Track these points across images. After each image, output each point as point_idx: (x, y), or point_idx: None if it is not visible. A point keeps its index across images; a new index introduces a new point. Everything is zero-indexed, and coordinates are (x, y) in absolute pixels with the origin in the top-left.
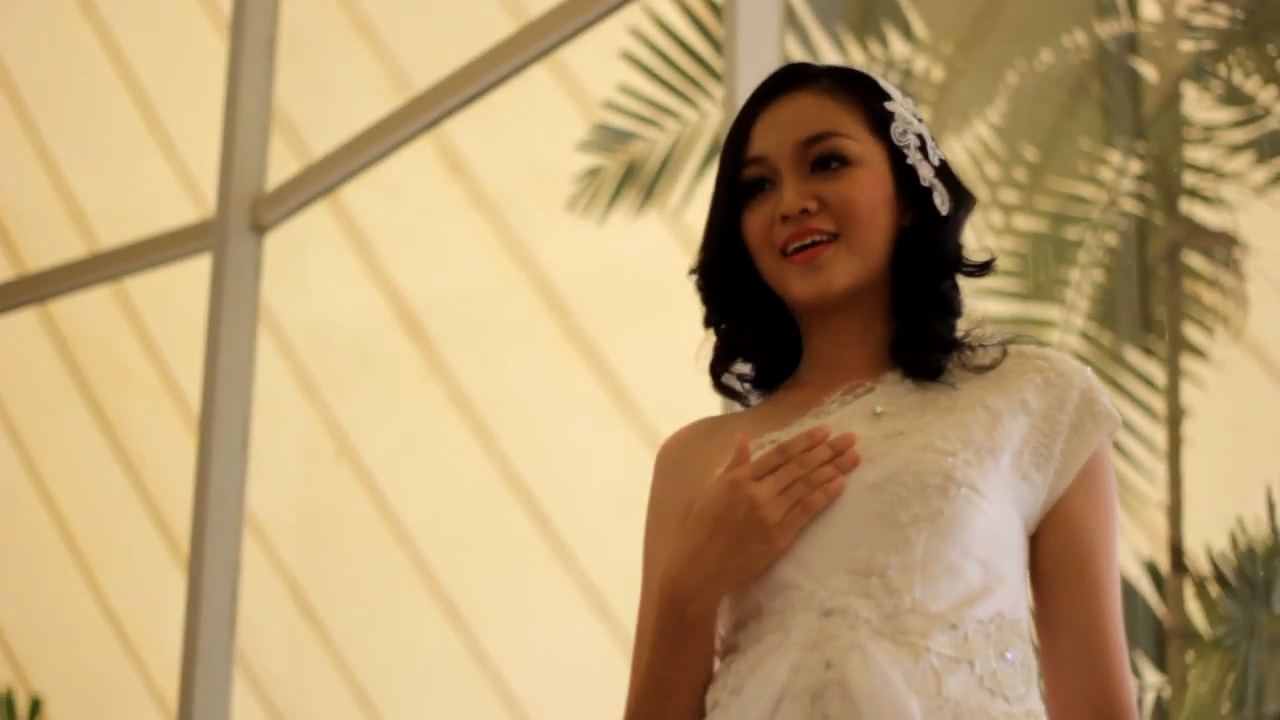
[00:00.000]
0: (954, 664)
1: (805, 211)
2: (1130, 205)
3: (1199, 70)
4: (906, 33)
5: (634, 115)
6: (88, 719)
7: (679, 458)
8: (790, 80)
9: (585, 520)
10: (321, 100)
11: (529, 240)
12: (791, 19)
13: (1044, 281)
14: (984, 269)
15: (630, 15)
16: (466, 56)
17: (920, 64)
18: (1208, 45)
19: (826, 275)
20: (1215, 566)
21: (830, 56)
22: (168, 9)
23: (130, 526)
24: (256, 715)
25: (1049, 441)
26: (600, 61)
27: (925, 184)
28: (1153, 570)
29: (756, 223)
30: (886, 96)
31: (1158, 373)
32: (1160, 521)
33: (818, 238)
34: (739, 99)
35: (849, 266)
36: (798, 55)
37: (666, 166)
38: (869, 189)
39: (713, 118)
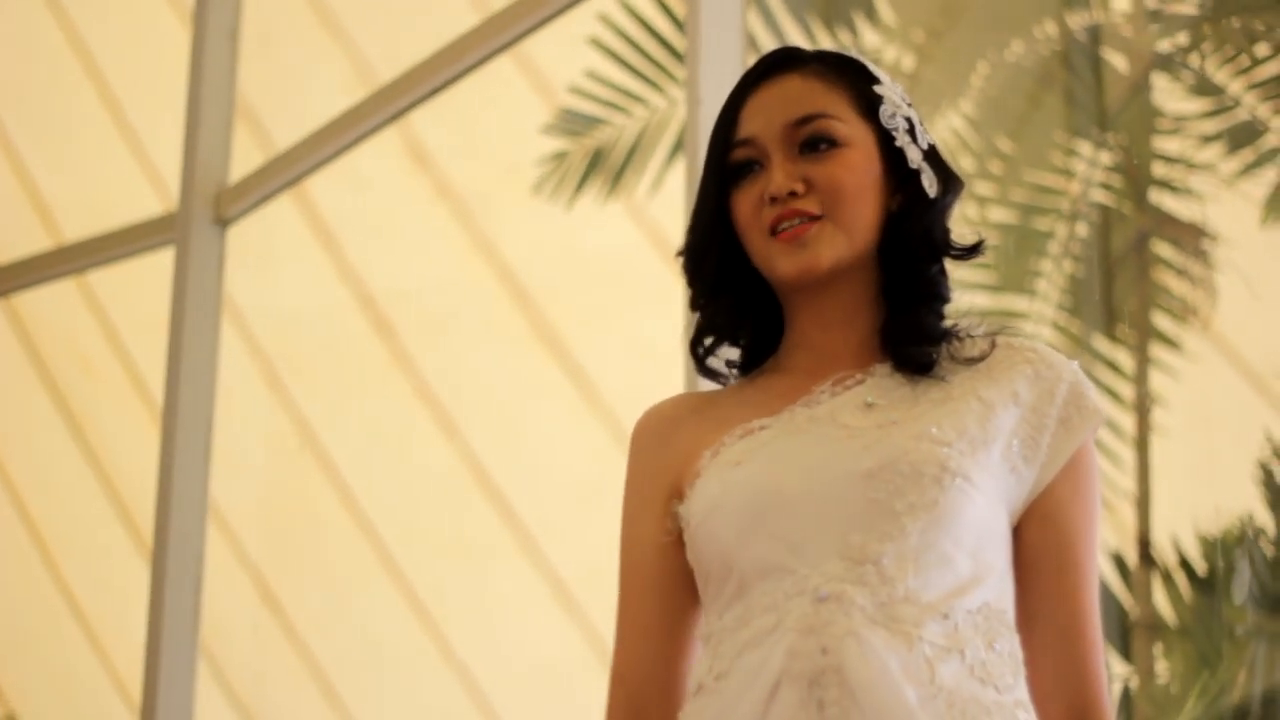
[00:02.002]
0: (945, 653)
1: (793, 194)
2: (1100, 196)
3: (1168, 61)
4: (875, 21)
5: (600, 101)
6: (52, 711)
7: (663, 431)
8: (779, 63)
9: (550, 512)
10: (285, 92)
11: (494, 233)
12: (760, 6)
13: (1014, 273)
14: (973, 252)
15: (596, 6)
16: (431, 48)
17: (890, 53)
18: (1177, 36)
19: (812, 252)
20: (1182, 557)
21: (798, 44)
22: (131, 0)
23: (94, 518)
24: (221, 706)
25: (1037, 434)
26: (565, 53)
27: (914, 166)
28: (1119, 561)
29: (745, 204)
30: (875, 80)
31: (1127, 363)
32: (1128, 513)
33: (804, 218)
34: (702, 84)
35: (834, 244)
36: (764, 42)
37: (634, 154)
38: (857, 170)
39: (681, 105)
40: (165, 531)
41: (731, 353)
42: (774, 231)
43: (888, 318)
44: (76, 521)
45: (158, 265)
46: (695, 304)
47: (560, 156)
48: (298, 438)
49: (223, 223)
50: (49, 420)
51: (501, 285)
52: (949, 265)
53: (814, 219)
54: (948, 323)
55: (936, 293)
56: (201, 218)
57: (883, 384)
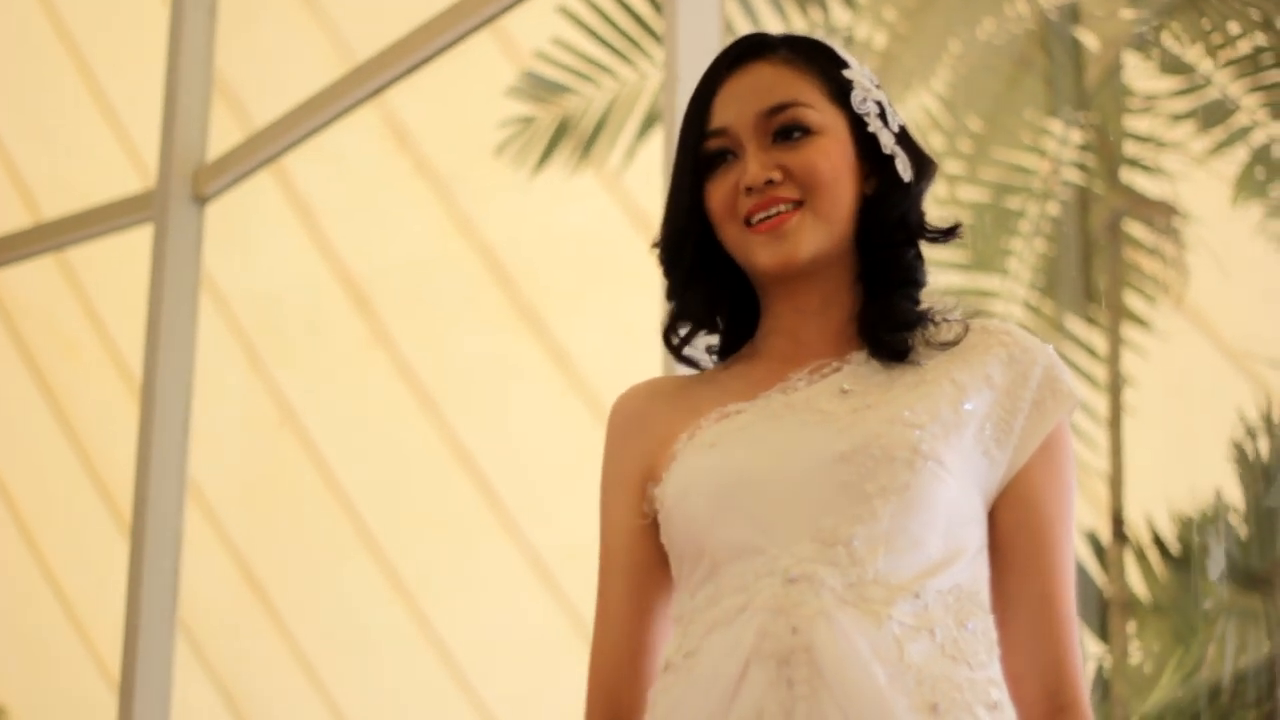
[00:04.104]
0: (915, 632)
1: (770, 182)
2: (1072, 175)
3: (1141, 39)
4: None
5: (568, 69)
6: (30, 688)
7: (639, 415)
8: (749, 51)
9: (531, 490)
10: (264, 69)
11: (474, 210)
12: None
13: (987, 252)
14: (948, 235)
15: None
16: (410, 24)
17: (862, 31)
18: (1148, 14)
19: (792, 243)
20: (1156, 536)
21: (771, 22)
22: None
23: (73, 495)
24: (200, 684)
25: (1010, 418)
26: (544, 29)
27: (887, 151)
28: (1094, 540)
29: (720, 194)
30: (844, 64)
31: (1099, 342)
32: (1102, 491)
33: (783, 207)
34: (680, 62)
35: (814, 234)
36: (738, 19)
37: (605, 126)
38: (832, 157)
39: (652, 79)
40: (144, 509)
41: (711, 338)
42: (750, 222)
43: (864, 304)
44: (56, 498)
45: (138, 242)
46: (672, 294)
47: (526, 121)
48: (277, 416)
49: (201, 200)
50: (28, 398)
51: (481, 263)
52: (924, 248)
53: (794, 205)
54: (923, 306)
55: (912, 278)
56: (179, 195)
57: (859, 370)
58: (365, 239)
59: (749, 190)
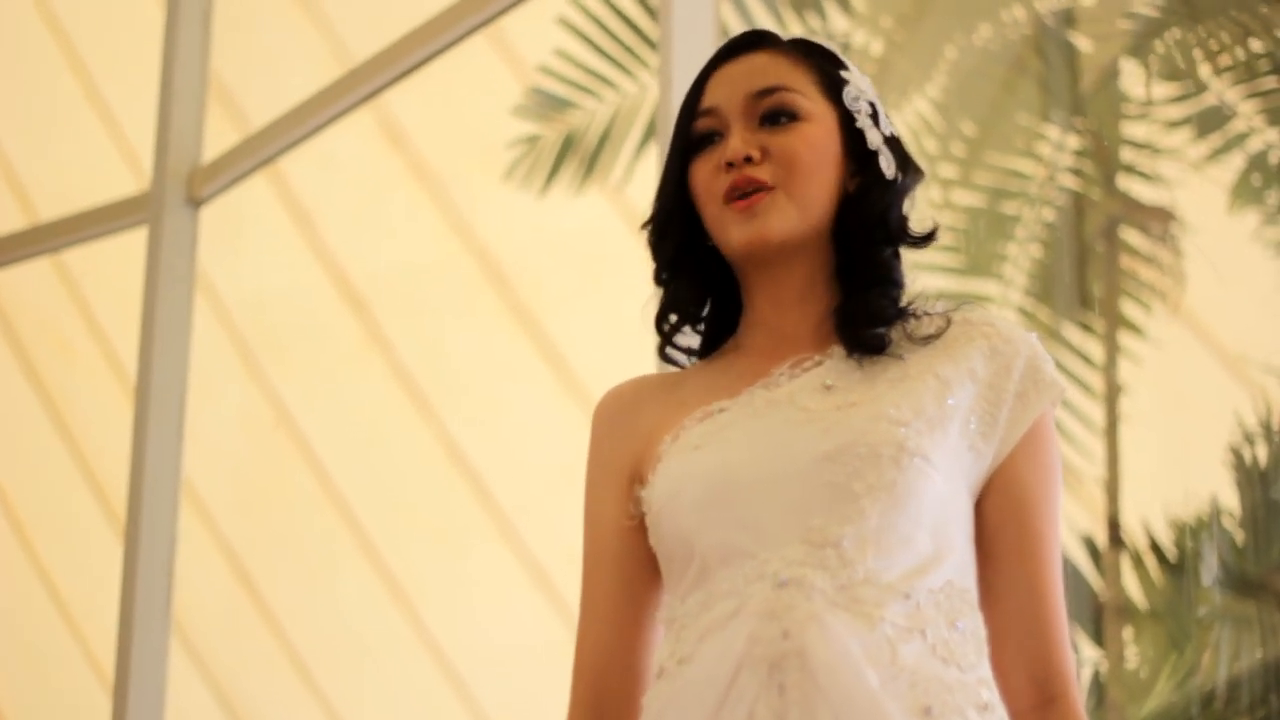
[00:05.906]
0: (907, 634)
1: (749, 160)
2: (1068, 181)
3: (1138, 45)
4: (845, 6)
5: (571, 83)
6: (25, 688)
7: (623, 414)
8: (748, 43)
9: (526, 493)
10: (259, 71)
11: (469, 213)
12: None
13: (981, 257)
14: (927, 240)
15: None
16: (406, 27)
17: (859, 38)
18: (1145, 22)
19: (763, 222)
20: (1153, 541)
21: (767, 28)
22: None
23: (68, 497)
24: (194, 685)
25: (994, 410)
26: (540, 33)
27: (873, 147)
28: (1090, 545)
29: (703, 172)
30: (843, 65)
31: (1095, 349)
32: (1098, 497)
33: (757, 187)
34: (674, 69)
35: (786, 216)
36: (735, 26)
37: (607, 139)
38: (815, 145)
39: (652, 90)
40: (138, 511)
41: (691, 339)
42: (728, 200)
43: (841, 301)
44: (51, 500)
45: (134, 244)
46: (658, 278)
47: (532, 141)
48: (272, 417)
49: (196, 203)
50: (24, 399)
51: (477, 266)
52: (908, 253)
53: (767, 189)
54: (903, 303)
55: (889, 276)
56: (174, 198)
57: (840, 366)
58: (360, 241)
59: (729, 166)
